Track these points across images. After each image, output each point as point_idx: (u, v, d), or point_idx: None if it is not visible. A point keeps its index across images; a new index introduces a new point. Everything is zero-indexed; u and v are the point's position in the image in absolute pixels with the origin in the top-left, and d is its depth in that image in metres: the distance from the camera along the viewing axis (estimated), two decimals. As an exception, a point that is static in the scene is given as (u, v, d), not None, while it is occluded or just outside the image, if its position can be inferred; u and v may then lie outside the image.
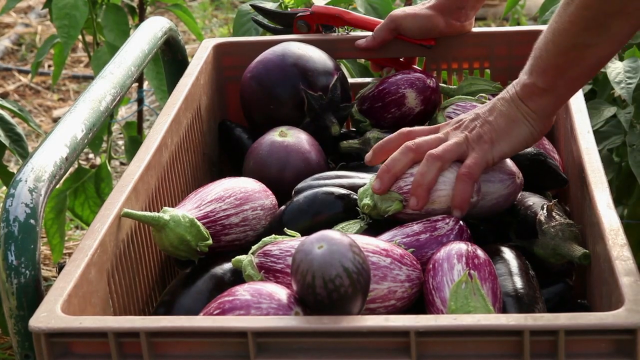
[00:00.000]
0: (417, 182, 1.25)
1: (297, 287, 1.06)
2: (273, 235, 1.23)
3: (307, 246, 1.04)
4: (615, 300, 1.03)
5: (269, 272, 1.18)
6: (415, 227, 1.25)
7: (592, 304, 1.20)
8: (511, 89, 1.26)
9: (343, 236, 1.05)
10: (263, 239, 1.22)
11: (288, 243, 1.19)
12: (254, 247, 1.22)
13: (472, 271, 1.12)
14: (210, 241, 1.28)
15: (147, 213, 1.26)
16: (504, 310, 1.13)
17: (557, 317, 0.98)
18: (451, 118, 1.47)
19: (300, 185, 1.41)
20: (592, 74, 1.22)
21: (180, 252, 1.28)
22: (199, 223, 1.28)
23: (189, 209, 1.30)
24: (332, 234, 1.05)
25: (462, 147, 1.25)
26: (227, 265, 1.27)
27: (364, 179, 1.38)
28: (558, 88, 1.23)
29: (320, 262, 1.02)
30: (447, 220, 1.25)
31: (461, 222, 1.25)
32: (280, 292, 1.08)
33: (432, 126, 1.32)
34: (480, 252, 1.17)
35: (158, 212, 1.29)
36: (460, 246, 1.17)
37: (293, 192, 1.39)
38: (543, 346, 0.99)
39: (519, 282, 1.17)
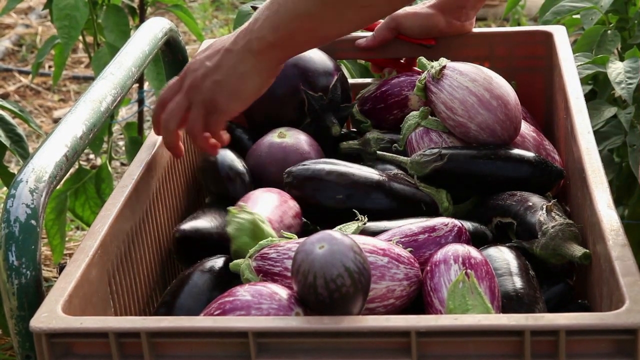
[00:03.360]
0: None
1: (298, 288, 1.06)
2: (270, 238, 1.23)
3: (308, 246, 1.04)
4: (616, 300, 1.03)
5: (266, 275, 1.18)
6: (414, 227, 1.25)
7: (593, 304, 1.20)
8: (240, 40, 1.28)
9: (344, 236, 1.05)
10: (260, 242, 1.22)
11: (285, 245, 1.19)
12: (251, 251, 1.22)
13: (468, 270, 1.13)
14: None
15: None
16: (504, 310, 1.13)
17: (558, 317, 0.98)
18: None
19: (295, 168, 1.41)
20: (321, 44, 1.30)
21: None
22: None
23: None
24: (333, 234, 1.05)
25: (195, 115, 1.31)
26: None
27: (351, 168, 1.39)
28: (286, 46, 1.26)
29: (321, 262, 1.02)
30: (447, 222, 1.26)
31: (460, 224, 1.26)
32: (281, 293, 1.08)
33: (180, 77, 1.35)
34: (476, 253, 1.17)
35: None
36: (457, 247, 1.18)
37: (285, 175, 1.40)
38: (544, 346, 0.99)
39: (519, 282, 1.17)
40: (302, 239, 1.18)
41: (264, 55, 1.26)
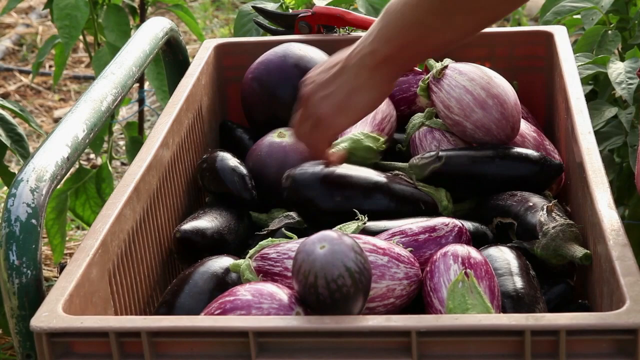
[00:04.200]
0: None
1: (298, 288, 1.06)
2: (270, 239, 1.23)
3: (309, 246, 1.04)
4: (616, 300, 1.03)
5: (266, 275, 1.18)
6: (415, 227, 1.25)
7: (593, 304, 1.20)
8: (354, 55, 1.26)
9: (344, 236, 1.05)
10: (260, 243, 1.22)
11: (285, 246, 1.20)
12: (251, 251, 1.22)
13: (468, 270, 1.13)
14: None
15: None
16: (504, 310, 1.13)
17: (558, 317, 0.99)
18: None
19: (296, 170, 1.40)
20: (435, 53, 1.25)
21: None
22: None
23: None
24: (334, 233, 1.05)
25: (301, 128, 1.33)
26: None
27: (349, 169, 1.39)
28: (399, 59, 1.23)
29: (322, 263, 1.02)
30: (447, 222, 1.26)
31: (460, 224, 1.26)
32: (281, 292, 1.08)
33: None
34: (475, 253, 1.18)
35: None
36: (456, 248, 1.18)
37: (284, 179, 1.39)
38: (544, 346, 0.99)
39: (519, 282, 1.17)
40: (302, 239, 1.18)
41: (378, 70, 1.24)
